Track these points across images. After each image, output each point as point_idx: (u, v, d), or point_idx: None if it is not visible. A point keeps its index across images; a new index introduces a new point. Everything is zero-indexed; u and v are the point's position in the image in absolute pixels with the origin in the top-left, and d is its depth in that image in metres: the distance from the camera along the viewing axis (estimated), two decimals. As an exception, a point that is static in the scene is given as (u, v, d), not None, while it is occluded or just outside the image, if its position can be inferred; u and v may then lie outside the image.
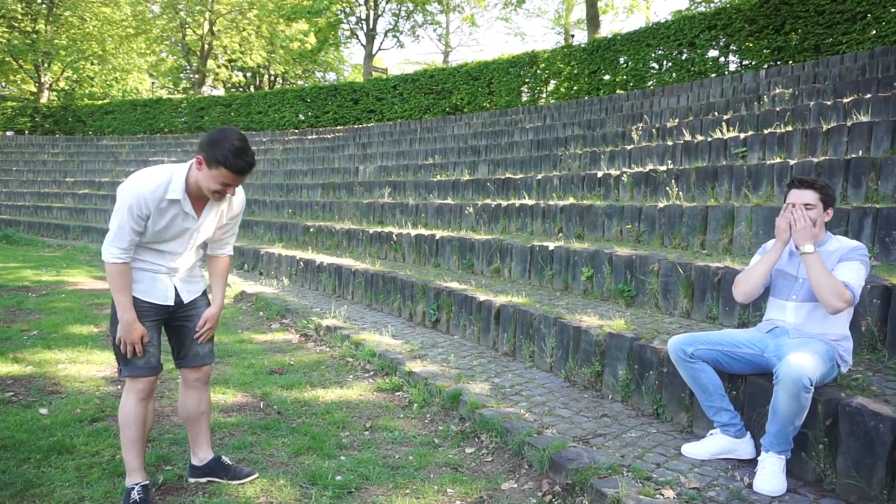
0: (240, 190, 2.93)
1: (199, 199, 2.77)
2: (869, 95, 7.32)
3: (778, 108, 8.01)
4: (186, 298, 2.94)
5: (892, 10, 10.99)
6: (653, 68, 15.42)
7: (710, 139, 7.60)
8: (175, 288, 2.90)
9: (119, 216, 2.64)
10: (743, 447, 3.06)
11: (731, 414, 3.09)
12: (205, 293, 3.06)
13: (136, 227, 2.66)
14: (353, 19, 31.88)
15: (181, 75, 37.94)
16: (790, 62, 12.46)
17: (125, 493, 2.80)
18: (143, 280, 2.81)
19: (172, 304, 2.89)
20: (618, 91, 15.87)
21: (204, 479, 3.07)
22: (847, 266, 2.96)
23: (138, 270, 2.81)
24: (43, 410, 3.94)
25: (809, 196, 3.06)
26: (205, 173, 2.62)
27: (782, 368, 2.69)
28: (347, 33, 32.74)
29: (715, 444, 3.08)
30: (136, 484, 2.80)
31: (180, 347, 3.00)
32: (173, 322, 2.95)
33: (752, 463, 2.99)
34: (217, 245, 3.07)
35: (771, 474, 2.74)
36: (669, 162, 7.87)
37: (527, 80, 18.59)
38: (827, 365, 2.83)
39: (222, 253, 3.11)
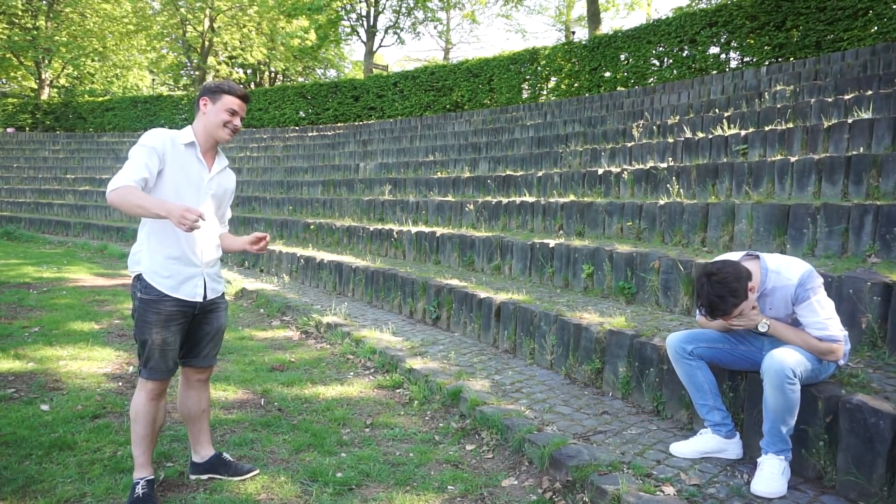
0: (230, 174, 3.10)
1: (207, 153, 2.90)
2: (870, 92, 7.31)
3: (779, 105, 8.00)
4: (210, 295, 2.92)
5: (894, 6, 10.97)
6: (654, 65, 15.39)
7: (710, 136, 7.59)
8: (203, 284, 2.88)
9: (135, 152, 2.67)
10: (732, 448, 3.07)
11: (724, 414, 3.10)
12: (223, 295, 3.07)
13: (149, 162, 2.66)
14: (353, 16, 31.90)
15: (182, 72, 37.90)
16: (791, 59, 12.44)
17: (131, 486, 2.82)
18: (174, 276, 2.79)
19: (202, 300, 2.88)
20: (618, 88, 15.85)
21: (205, 476, 3.09)
22: (805, 309, 2.79)
23: (167, 262, 2.78)
24: (44, 407, 3.95)
25: (734, 313, 2.76)
26: (212, 110, 2.83)
27: (765, 362, 2.72)
28: (348, 30, 32.75)
29: (704, 443, 3.09)
30: (142, 479, 2.82)
31: (192, 347, 2.99)
32: (193, 322, 2.93)
33: (753, 461, 3.00)
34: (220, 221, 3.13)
35: (768, 476, 2.70)
36: (670, 159, 7.87)
37: (527, 77, 18.57)
38: (815, 361, 2.79)
39: (224, 228, 3.19)
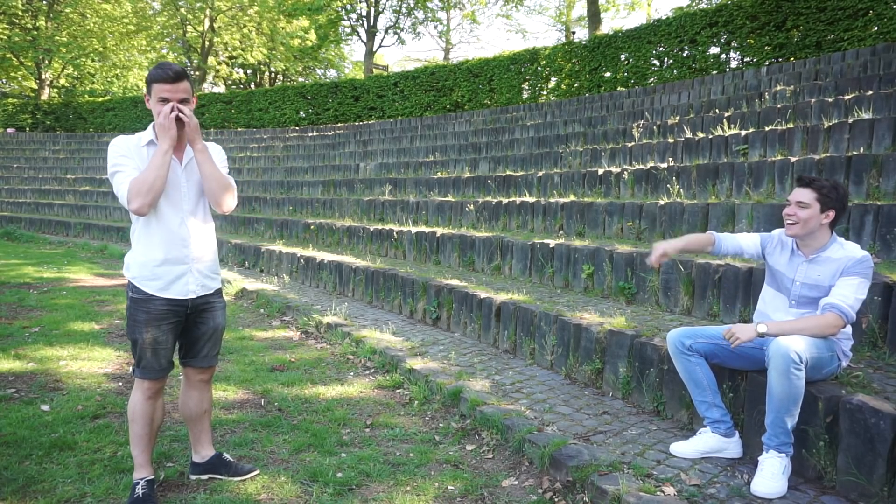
0: (215, 147, 2.98)
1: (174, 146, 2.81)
2: (870, 92, 7.31)
3: (779, 106, 8.00)
4: (201, 291, 2.88)
5: (894, 6, 10.97)
6: (654, 65, 15.40)
7: (711, 136, 7.59)
8: (194, 280, 2.84)
9: (116, 163, 2.69)
10: (732, 446, 3.07)
11: (723, 411, 3.11)
12: (219, 291, 3.03)
13: (133, 164, 2.69)
14: (353, 16, 31.90)
15: (182, 72, 37.88)
16: (791, 59, 12.44)
17: (131, 487, 2.83)
18: (162, 276, 2.77)
19: (195, 296, 2.85)
20: (619, 88, 15.85)
21: (205, 476, 3.09)
22: (847, 282, 2.87)
23: (157, 265, 2.76)
24: (45, 407, 3.95)
25: (804, 195, 2.99)
26: (151, 103, 2.75)
27: (771, 348, 2.73)
28: (348, 30, 32.77)
29: (704, 443, 3.09)
30: (142, 479, 2.82)
31: (191, 347, 2.98)
32: (188, 322, 2.92)
33: (753, 461, 3.00)
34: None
35: (769, 475, 2.70)
36: (670, 159, 7.87)
37: (528, 77, 18.57)
38: (822, 352, 2.81)
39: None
